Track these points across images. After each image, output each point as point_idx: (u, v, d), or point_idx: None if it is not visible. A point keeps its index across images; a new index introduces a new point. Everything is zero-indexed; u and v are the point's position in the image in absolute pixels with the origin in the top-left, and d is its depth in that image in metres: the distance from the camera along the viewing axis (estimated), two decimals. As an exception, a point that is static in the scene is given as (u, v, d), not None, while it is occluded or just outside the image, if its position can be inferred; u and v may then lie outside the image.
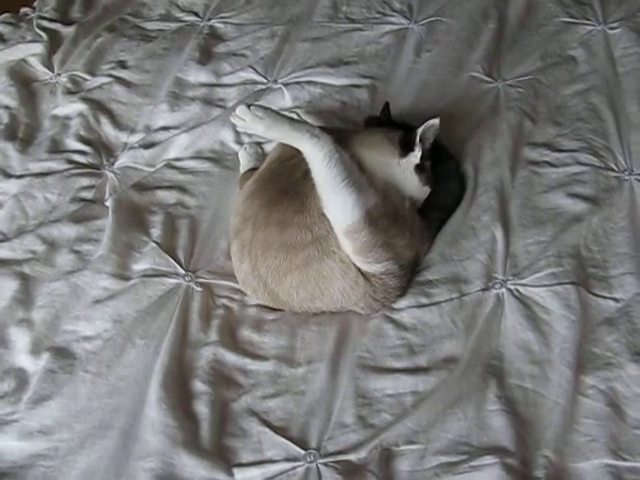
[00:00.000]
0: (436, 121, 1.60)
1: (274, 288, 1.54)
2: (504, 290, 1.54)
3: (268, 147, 1.88)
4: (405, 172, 1.62)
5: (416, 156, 1.62)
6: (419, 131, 1.61)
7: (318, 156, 1.46)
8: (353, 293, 1.51)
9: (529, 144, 1.84)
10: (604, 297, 1.51)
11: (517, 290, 1.54)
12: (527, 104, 1.94)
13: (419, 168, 1.63)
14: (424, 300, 1.55)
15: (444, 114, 1.86)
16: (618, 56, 2.06)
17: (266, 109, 1.49)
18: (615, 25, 2.15)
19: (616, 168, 1.75)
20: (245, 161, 1.86)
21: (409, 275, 1.57)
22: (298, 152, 1.50)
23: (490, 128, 1.88)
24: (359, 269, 1.51)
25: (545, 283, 1.53)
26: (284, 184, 1.56)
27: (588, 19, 2.20)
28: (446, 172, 1.71)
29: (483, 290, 1.55)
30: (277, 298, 1.56)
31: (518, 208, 1.69)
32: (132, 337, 1.52)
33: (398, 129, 1.71)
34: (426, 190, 1.64)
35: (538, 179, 1.75)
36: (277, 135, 1.50)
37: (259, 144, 1.90)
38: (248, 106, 1.48)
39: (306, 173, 1.51)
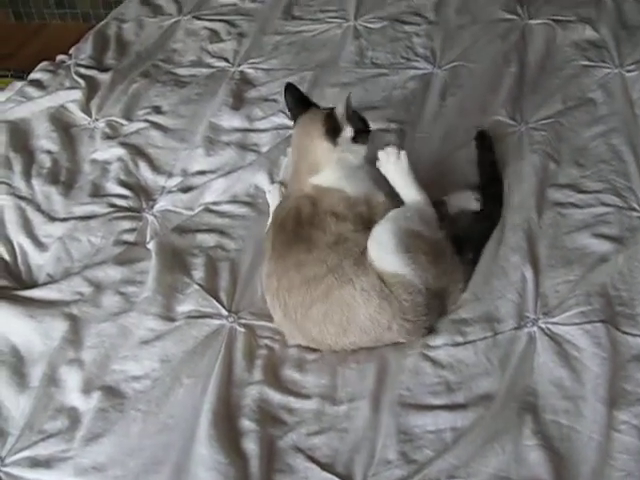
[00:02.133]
0: (349, 94, 1.71)
1: (304, 325, 1.60)
2: (536, 329, 1.60)
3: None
4: (348, 150, 1.70)
5: (348, 131, 1.69)
6: (341, 111, 1.68)
7: (413, 205, 1.70)
8: (382, 317, 1.57)
9: (554, 185, 1.91)
10: (633, 335, 1.56)
11: (548, 328, 1.60)
12: (550, 147, 2.01)
13: (355, 135, 1.70)
14: (459, 339, 1.61)
15: (471, 159, 1.97)
16: (635, 98, 2.13)
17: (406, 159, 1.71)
18: (631, 68, 2.24)
19: (638, 208, 1.82)
20: (274, 202, 1.93)
21: (439, 303, 1.63)
22: (288, 212, 1.68)
23: (515, 171, 1.95)
24: (381, 294, 1.56)
25: (575, 321, 1.59)
26: (285, 237, 1.65)
27: (605, 62, 2.28)
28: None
29: (516, 329, 1.61)
30: (311, 336, 1.62)
31: (546, 248, 1.75)
32: (180, 377, 1.58)
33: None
34: (367, 148, 1.73)
35: (564, 220, 1.82)
36: (402, 180, 1.72)
37: (282, 184, 1.97)
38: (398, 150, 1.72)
39: (297, 222, 1.65)
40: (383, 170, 1.73)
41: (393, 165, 1.71)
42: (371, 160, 1.96)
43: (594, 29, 2.43)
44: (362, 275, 1.58)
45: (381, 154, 1.71)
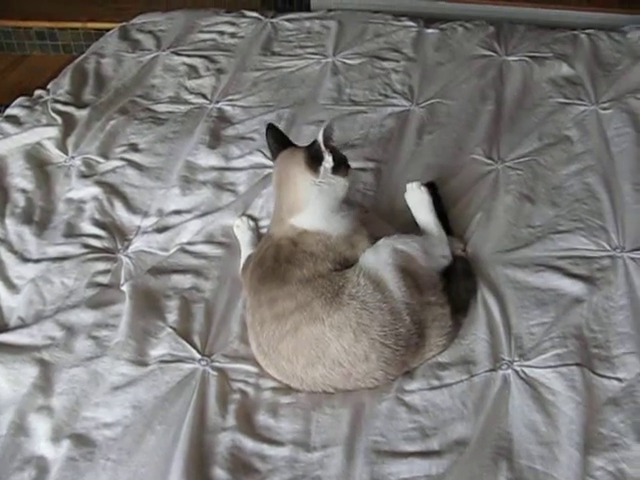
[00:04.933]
0: (328, 122, 1.70)
1: (275, 358, 1.61)
2: (510, 371, 1.59)
3: (263, 223, 1.96)
4: (328, 183, 1.69)
5: (328, 161, 1.69)
6: (320, 139, 1.68)
7: (424, 237, 1.78)
8: (358, 348, 1.56)
9: (528, 227, 1.91)
10: (608, 377, 1.57)
11: (523, 371, 1.59)
12: (526, 186, 2.03)
13: (336, 166, 1.70)
14: (435, 382, 1.60)
15: (446, 198, 1.97)
16: (611, 136, 2.16)
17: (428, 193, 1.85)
18: (607, 105, 2.27)
19: (609, 247, 1.82)
20: (243, 237, 1.93)
21: (418, 341, 1.61)
22: (267, 249, 1.70)
23: (488, 210, 1.96)
24: (358, 327, 1.56)
25: (550, 364, 1.59)
26: (262, 273, 1.67)
27: (581, 99, 2.31)
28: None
29: (491, 371, 1.60)
30: (283, 369, 1.62)
31: (518, 290, 1.75)
32: (151, 423, 1.56)
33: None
34: (349, 180, 1.73)
35: (535, 260, 1.82)
36: (425, 215, 1.84)
37: (250, 218, 1.98)
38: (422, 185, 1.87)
39: (275, 259, 1.66)
40: (408, 200, 1.86)
41: (417, 197, 1.84)
42: (351, 201, 1.98)
43: (570, 66, 2.46)
44: (334, 313, 1.58)
45: (408, 185, 1.86)
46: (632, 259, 1.78)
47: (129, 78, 2.65)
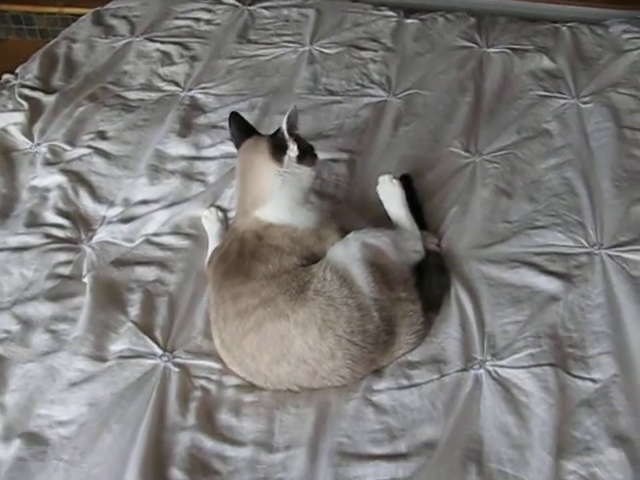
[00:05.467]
0: (292, 109, 1.64)
1: (239, 355, 1.56)
2: (482, 371, 1.54)
3: (232, 214, 1.90)
4: (293, 173, 1.64)
5: (293, 150, 1.64)
6: (284, 127, 1.63)
7: (397, 232, 1.73)
8: (323, 345, 1.51)
9: (504, 222, 1.86)
10: (582, 378, 1.52)
11: (495, 371, 1.54)
12: (503, 180, 1.97)
13: (301, 156, 1.65)
14: (404, 381, 1.54)
15: (422, 191, 1.91)
16: (591, 130, 2.10)
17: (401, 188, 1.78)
18: (587, 99, 2.21)
19: (586, 243, 1.77)
20: (211, 228, 1.87)
21: (387, 339, 1.56)
22: (231, 243, 1.65)
23: (464, 204, 1.91)
24: (324, 323, 1.50)
25: (523, 364, 1.54)
26: (226, 268, 1.62)
27: (561, 92, 2.26)
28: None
29: (462, 371, 1.55)
30: (247, 367, 1.56)
31: (492, 287, 1.70)
32: (108, 422, 1.50)
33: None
34: (315, 170, 1.69)
35: (510, 256, 1.77)
36: (397, 209, 1.77)
37: (219, 208, 1.92)
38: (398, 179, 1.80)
39: (240, 254, 1.61)
40: (380, 193, 1.78)
41: (389, 190, 1.77)
42: (323, 193, 1.92)
43: (551, 59, 2.40)
44: (299, 309, 1.52)
45: (380, 178, 1.78)
46: (610, 256, 1.74)
47: (101, 64, 2.57)
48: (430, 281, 1.69)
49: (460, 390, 1.52)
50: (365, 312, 1.54)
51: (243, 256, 1.60)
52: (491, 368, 1.55)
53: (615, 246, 1.76)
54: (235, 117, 1.77)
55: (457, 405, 1.49)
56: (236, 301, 1.56)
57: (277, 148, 1.63)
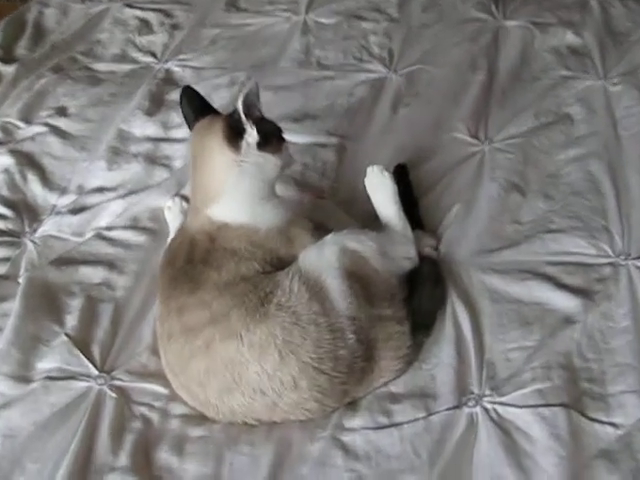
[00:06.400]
0: (251, 84, 1.39)
1: (185, 381, 1.34)
2: (479, 409, 1.29)
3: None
4: (253, 162, 1.39)
5: (251, 135, 1.38)
6: (240, 107, 1.37)
7: (385, 234, 1.48)
8: (284, 373, 1.26)
9: (514, 223, 1.62)
10: (601, 422, 1.26)
11: (495, 410, 1.29)
12: (516, 173, 1.73)
13: (262, 142, 1.40)
14: (382, 419, 1.30)
15: (419, 184, 1.69)
16: (620, 117, 1.86)
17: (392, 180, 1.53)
18: (616, 80, 1.97)
19: (611, 252, 1.53)
20: (174, 222, 1.65)
21: (365, 365, 1.32)
22: (180, 245, 1.41)
23: (468, 201, 1.68)
24: (285, 346, 1.26)
25: (530, 403, 1.28)
26: (172, 275, 1.38)
27: (587, 72, 2.02)
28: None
29: (454, 408, 1.30)
30: (195, 395, 1.33)
31: (496, 303, 1.46)
32: (22, 460, 1.27)
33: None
34: (281, 158, 1.43)
35: (518, 266, 1.52)
36: (387, 206, 1.52)
37: (185, 199, 1.68)
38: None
39: (189, 259, 1.37)
40: (368, 187, 1.55)
41: (378, 184, 1.53)
42: (302, 182, 1.69)
43: (577, 34, 2.14)
44: (255, 328, 1.27)
45: (369, 169, 1.54)
46: (639, 268, 1.48)
47: (72, 31, 2.38)
48: (422, 295, 1.44)
49: (450, 433, 1.26)
50: (338, 334, 1.29)
51: (192, 262, 1.35)
52: (489, 406, 1.29)
53: (646, 256, 1.51)
54: (188, 92, 1.51)
55: (445, 452, 1.24)
56: (182, 315, 1.32)
57: (234, 132, 1.37)
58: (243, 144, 1.37)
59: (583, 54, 2.08)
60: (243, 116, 1.36)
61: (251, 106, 1.37)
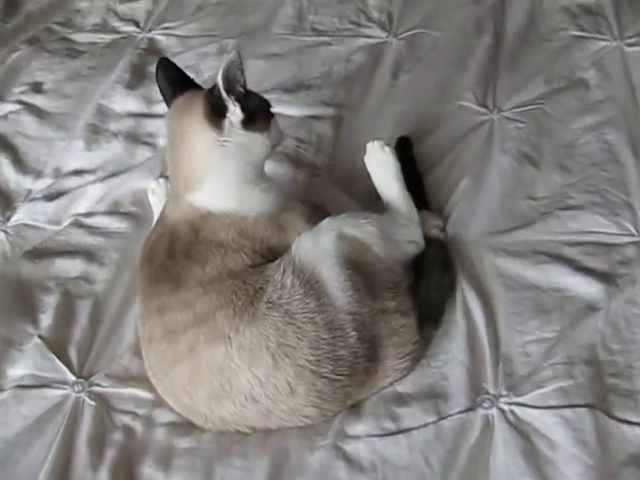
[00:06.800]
0: (233, 53, 1.24)
1: (170, 387, 1.23)
2: (495, 411, 1.18)
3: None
4: (238, 143, 1.25)
5: (234, 113, 1.25)
6: (220, 82, 1.23)
7: (387, 216, 1.37)
8: (279, 379, 1.15)
9: (528, 198, 1.51)
10: (630, 423, 1.15)
11: (512, 412, 1.18)
12: (528, 144, 1.63)
13: (247, 120, 1.26)
14: (389, 425, 1.19)
15: (424, 158, 1.58)
16: (638, 80, 1.76)
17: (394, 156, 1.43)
18: (633, 41, 1.86)
19: (635, 231, 1.42)
20: (158, 206, 1.50)
21: (368, 366, 1.20)
22: (159, 237, 1.28)
23: (478, 175, 1.56)
24: (278, 348, 1.15)
25: (551, 404, 1.17)
26: (153, 272, 1.26)
27: (601, 33, 1.90)
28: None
29: (467, 411, 1.18)
30: (181, 402, 1.23)
31: (511, 290, 1.34)
32: (-11, 481, 1.17)
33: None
34: (270, 136, 1.30)
35: (535, 247, 1.41)
36: (389, 186, 1.41)
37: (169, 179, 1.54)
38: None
39: (169, 253, 1.25)
40: (368, 165, 1.44)
41: (379, 161, 1.42)
42: (295, 159, 1.57)
43: (589, -9, 2.04)
44: (245, 329, 1.16)
45: (369, 145, 1.44)
46: (664, 247, 1.38)
47: (48, 0, 2.24)
48: (429, 283, 1.32)
49: (464, 439, 1.15)
50: (338, 332, 1.17)
51: (174, 256, 1.23)
52: (506, 407, 1.18)
53: (673, 234, 1.39)
54: (164, 64, 1.37)
55: (459, 462, 1.13)
56: (163, 316, 1.20)
57: (215, 109, 1.24)
58: (226, 123, 1.23)
59: (596, 13, 1.96)
60: (224, 92, 1.22)
61: (233, 81, 1.23)
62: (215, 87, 1.23)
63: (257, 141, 1.27)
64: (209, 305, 1.17)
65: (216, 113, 1.23)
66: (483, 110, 1.71)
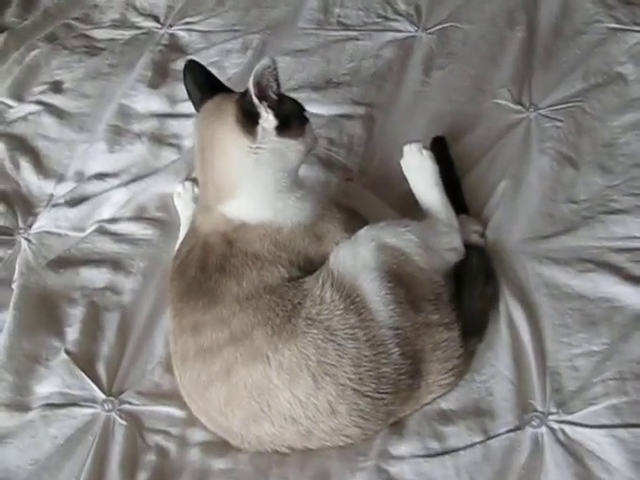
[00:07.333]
0: (266, 61, 1.18)
1: (204, 407, 1.18)
2: (544, 429, 1.13)
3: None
4: (272, 149, 1.20)
5: (267, 119, 1.19)
6: (252, 88, 1.17)
7: (426, 223, 1.32)
8: (320, 399, 1.11)
9: (569, 202, 1.44)
10: (691, 444, 1.09)
11: (563, 431, 1.12)
12: (567, 144, 1.56)
13: (281, 126, 1.21)
14: (434, 445, 1.14)
15: (460, 160, 1.53)
16: None
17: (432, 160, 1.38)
18: None
19: None
20: (185, 211, 1.48)
21: (411, 382, 1.15)
22: (191, 250, 1.23)
23: (517, 177, 1.50)
24: (319, 367, 1.10)
25: (603, 423, 1.11)
26: (184, 286, 1.22)
27: (638, 24, 1.83)
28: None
29: (515, 430, 1.13)
30: (216, 422, 1.18)
31: (556, 300, 1.28)
32: (20, 506, 1.13)
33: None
34: (305, 142, 1.24)
35: (581, 254, 1.34)
36: (428, 191, 1.36)
37: (195, 182, 1.49)
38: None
39: (202, 266, 1.20)
40: (405, 169, 1.39)
41: (417, 165, 1.37)
42: (326, 161, 1.55)
43: (625, -21, 1.97)
44: (284, 348, 1.11)
45: (406, 148, 1.39)
46: None
47: None
48: (472, 293, 1.27)
49: (513, 459, 1.10)
50: (380, 349, 1.12)
51: (207, 270, 1.18)
52: (556, 426, 1.13)
53: None
54: (192, 66, 1.31)
55: (508, 484, 1.07)
56: (197, 334, 1.16)
57: (248, 115, 1.18)
58: (259, 129, 1.18)
59: (632, 3, 1.88)
60: (256, 99, 1.16)
61: (265, 87, 1.17)
62: (247, 93, 1.17)
63: (292, 147, 1.21)
64: (246, 323, 1.12)
65: (248, 119, 1.18)
66: (519, 108, 1.66)
